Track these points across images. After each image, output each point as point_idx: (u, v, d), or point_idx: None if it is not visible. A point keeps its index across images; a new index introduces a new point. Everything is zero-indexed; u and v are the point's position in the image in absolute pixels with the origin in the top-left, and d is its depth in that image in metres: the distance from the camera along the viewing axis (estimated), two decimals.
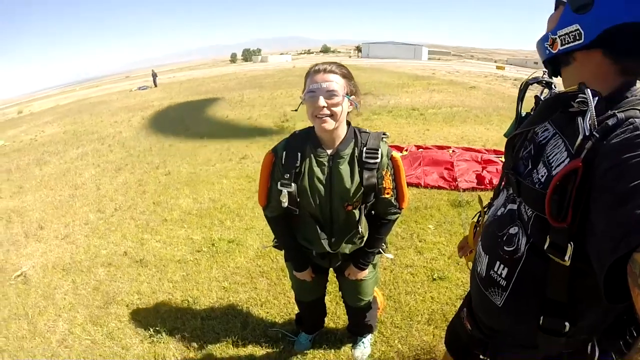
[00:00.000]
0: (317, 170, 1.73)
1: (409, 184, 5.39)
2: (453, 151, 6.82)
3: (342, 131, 1.72)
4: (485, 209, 1.44)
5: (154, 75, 34.07)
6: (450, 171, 5.84)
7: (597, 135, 0.82)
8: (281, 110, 12.76)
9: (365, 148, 1.72)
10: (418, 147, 7.23)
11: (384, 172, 1.76)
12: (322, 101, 1.56)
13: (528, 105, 1.26)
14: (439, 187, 5.44)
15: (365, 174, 1.71)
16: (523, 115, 1.30)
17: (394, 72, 30.93)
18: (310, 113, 1.62)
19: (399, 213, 1.94)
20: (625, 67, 0.92)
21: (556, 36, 0.98)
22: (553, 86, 1.20)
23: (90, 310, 3.29)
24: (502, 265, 1.09)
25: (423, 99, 14.79)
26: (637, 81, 0.95)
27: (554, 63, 1.07)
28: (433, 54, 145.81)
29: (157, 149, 9.07)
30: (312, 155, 1.73)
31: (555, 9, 1.03)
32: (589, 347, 1.05)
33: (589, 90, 0.86)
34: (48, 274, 3.95)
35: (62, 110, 23.67)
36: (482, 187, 5.34)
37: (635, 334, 1.01)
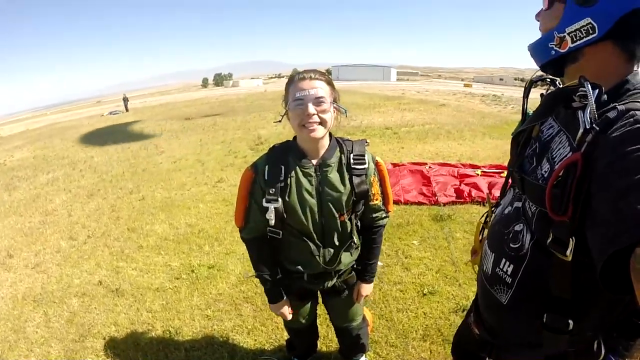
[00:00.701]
0: (304, 181, 1.64)
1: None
2: (429, 167, 6.88)
3: (327, 140, 1.67)
4: (493, 209, 1.43)
5: (125, 100, 33.99)
6: (429, 187, 5.87)
7: (598, 128, 0.81)
8: (255, 133, 12.71)
9: (352, 155, 1.68)
10: (395, 164, 7.25)
11: (372, 179, 1.73)
12: (311, 108, 1.49)
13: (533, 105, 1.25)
14: (419, 203, 5.44)
15: (355, 180, 1.67)
16: (529, 114, 1.31)
17: (365, 93, 31.46)
18: (297, 123, 1.54)
19: (388, 217, 1.91)
20: (632, 53, 0.92)
21: (564, 34, 0.95)
22: (558, 83, 1.19)
23: (65, 344, 3.08)
24: (507, 262, 1.09)
25: (395, 118, 15.04)
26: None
27: (557, 63, 1.04)
28: (402, 75, 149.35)
29: (130, 173, 8.84)
30: (297, 167, 1.64)
31: (550, 6, 1.00)
32: (595, 345, 1.04)
33: (588, 83, 0.86)
34: (18, 306, 3.72)
35: (32, 135, 23.09)
36: (462, 200, 5.38)
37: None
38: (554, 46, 0.99)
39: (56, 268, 4.44)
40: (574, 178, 0.80)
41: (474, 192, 5.49)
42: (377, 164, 1.76)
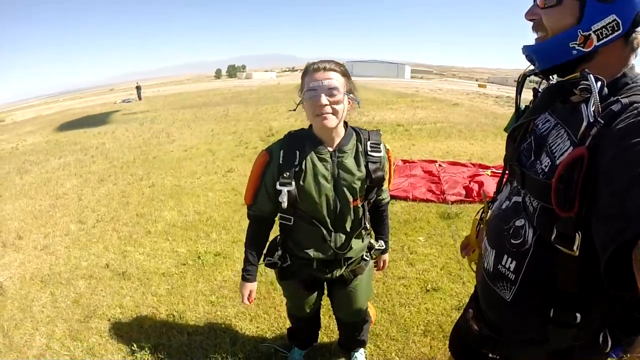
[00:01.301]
0: (320, 166, 1.67)
1: (397, 197, 5.43)
2: (440, 165, 6.85)
3: (342, 130, 1.70)
4: (489, 205, 1.41)
5: (139, 89, 34.07)
6: (438, 184, 5.84)
7: (602, 122, 0.81)
8: (266, 125, 12.74)
9: (369, 142, 1.73)
10: (405, 161, 7.23)
11: (387, 167, 1.84)
12: (324, 99, 1.52)
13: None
14: (427, 200, 5.42)
15: (372, 167, 1.71)
16: (522, 108, 1.29)
17: (378, 89, 31.32)
18: (311, 112, 1.58)
19: (388, 199, 2.06)
20: (632, 45, 0.92)
21: (590, 32, 0.92)
22: (551, 77, 1.18)
23: (70, 324, 3.13)
24: (509, 259, 1.07)
25: (407, 115, 14.94)
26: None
27: (569, 64, 1.00)
28: (416, 73, 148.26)
29: (140, 160, 8.91)
30: (312, 152, 1.68)
31: (558, 4, 0.96)
32: (601, 338, 1.03)
33: (591, 76, 0.85)
34: (25, 286, 3.78)
35: (44, 120, 23.31)
36: (470, 199, 5.36)
37: None
38: (576, 45, 0.95)
39: (64, 250, 4.51)
40: (580, 172, 0.79)
41: (482, 191, 5.46)
42: (387, 151, 1.84)
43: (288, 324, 2.58)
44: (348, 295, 2.08)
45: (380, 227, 2.12)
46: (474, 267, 1.50)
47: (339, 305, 2.18)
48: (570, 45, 0.96)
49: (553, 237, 0.89)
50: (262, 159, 1.72)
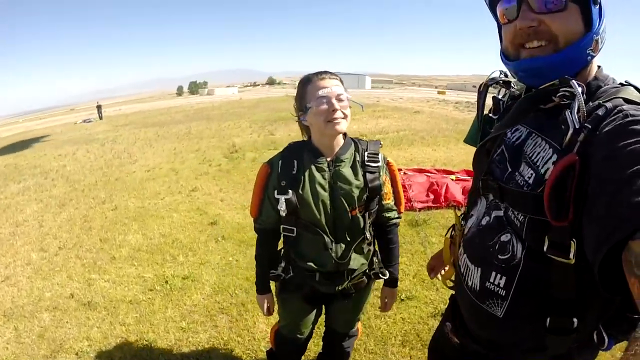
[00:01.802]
0: (317, 175, 1.68)
1: None
2: (404, 173, 6.93)
3: (341, 139, 1.73)
4: (461, 221, 1.37)
5: (99, 108, 33.28)
6: (405, 192, 5.90)
7: (589, 127, 0.81)
8: (229, 141, 12.57)
9: (366, 152, 1.75)
10: None
11: (384, 177, 1.79)
12: (336, 104, 1.57)
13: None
14: None
15: (369, 176, 1.71)
16: (483, 118, 1.29)
17: None
18: (322, 119, 1.58)
19: (400, 218, 1.95)
20: (599, 43, 0.94)
21: (599, 35, 0.93)
22: (512, 85, 1.19)
23: None
24: (498, 275, 1.04)
25: (370, 125, 15.15)
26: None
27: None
28: (376, 83, 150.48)
29: (102, 182, 8.63)
30: (310, 162, 1.70)
31: (565, 7, 0.89)
32: (595, 337, 1.00)
33: (574, 82, 0.85)
34: None
35: (2, 143, 22.35)
36: (437, 205, 5.43)
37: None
38: (591, 52, 0.93)
39: (27, 281, 4.29)
40: (573, 180, 0.78)
41: (449, 197, 5.57)
42: (388, 163, 1.84)
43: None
44: (348, 308, 2.05)
45: (386, 253, 1.98)
46: (450, 284, 1.48)
47: (337, 319, 2.15)
48: (588, 52, 0.93)
49: (545, 247, 0.88)
50: (263, 171, 1.75)
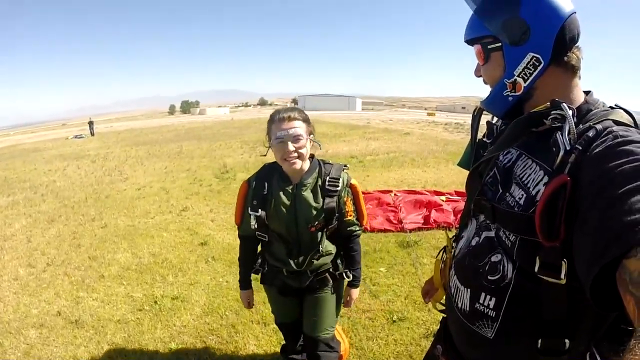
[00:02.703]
0: (283, 197, 1.94)
1: None
2: (395, 194, 6.96)
3: (306, 166, 1.94)
4: (453, 243, 1.39)
5: (91, 124, 33.16)
6: (395, 214, 5.92)
7: (580, 148, 0.83)
8: (220, 161, 12.58)
9: (328, 177, 1.97)
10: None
11: (345, 199, 2.01)
12: (290, 146, 1.78)
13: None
14: (386, 230, 5.47)
15: (326, 200, 1.95)
16: (477, 142, 1.32)
17: (330, 122, 31.85)
18: (279, 157, 1.83)
19: (361, 230, 2.16)
20: (571, 66, 0.98)
21: (514, 77, 1.01)
22: None
23: None
24: (488, 296, 1.04)
25: (360, 147, 15.26)
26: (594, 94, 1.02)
27: (516, 107, 1.08)
28: (367, 104, 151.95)
29: (92, 199, 8.55)
30: (278, 185, 1.96)
31: (487, 60, 1.08)
32: (588, 357, 0.99)
33: (565, 105, 0.88)
34: None
35: None
36: (428, 226, 5.46)
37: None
38: (509, 93, 1.04)
39: (13, 297, 4.22)
40: (564, 200, 0.80)
41: (440, 218, 5.60)
42: (351, 186, 2.04)
43: None
44: (314, 303, 2.18)
45: (348, 259, 2.20)
46: (440, 307, 1.48)
47: (306, 316, 2.24)
48: (505, 94, 1.05)
49: (537, 268, 0.88)
50: (244, 188, 2.02)
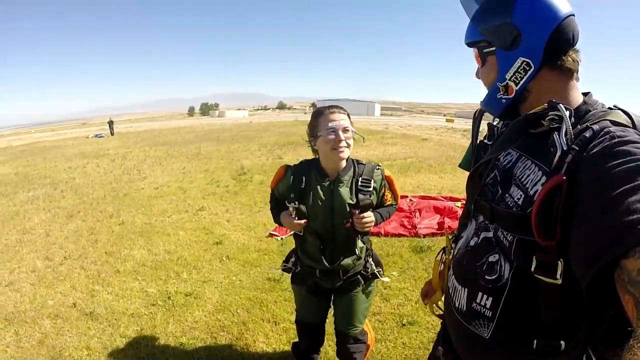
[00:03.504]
0: (320, 192, 2.05)
1: (370, 233, 5.39)
2: (410, 200, 6.94)
3: (344, 162, 2.06)
4: (452, 245, 1.40)
5: (111, 124, 33.80)
6: (410, 219, 5.90)
7: (577, 148, 0.83)
8: (238, 163, 12.67)
9: (360, 178, 2.07)
10: None
11: (384, 191, 2.16)
12: (342, 135, 1.92)
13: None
14: (400, 235, 5.46)
15: (360, 197, 2.04)
16: (477, 143, 1.33)
17: None
18: (329, 147, 1.94)
19: (396, 206, 2.34)
20: (567, 69, 0.99)
21: (506, 81, 1.04)
22: None
23: None
24: (485, 296, 1.05)
25: (378, 152, 15.24)
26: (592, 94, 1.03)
27: (511, 108, 1.10)
28: (385, 110, 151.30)
29: (111, 197, 8.71)
30: (316, 180, 2.06)
31: (484, 63, 1.11)
32: (584, 359, 0.98)
33: (562, 105, 0.89)
34: None
35: (14, 151, 22.66)
36: (442, 231, 5.43)
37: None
38: (502, 96, 1.08)
39: (30, 287, 4.33)
40: (560, 200, 0.80)
41: (454, 224, 5.55)
42: (386, 177, 2.17)
43: None
44: (347, 303, 2.30)
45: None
46: (436, 310, 1.49)
47: (338, 314, 2.38)
48: (498, 97, 1.09)
49: (533, 267, 0.88)
50: (280, 172, 2.14)
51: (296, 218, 2.02)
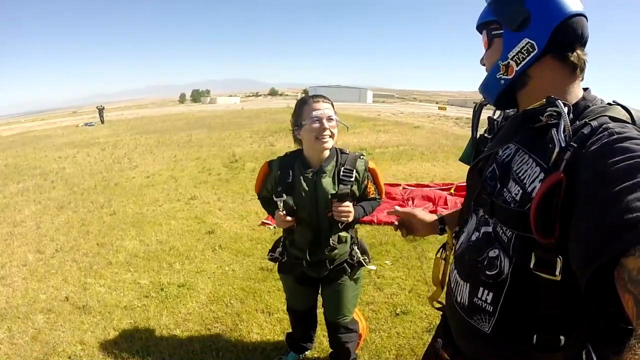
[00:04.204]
0: (304, 184, 2.05)
1: (362, 222, 5.38)
2: (404, 188, 6.95)
3: (327, 152, 2.07)
4: (453, 240, 1.39)
5: (101, 111, 33.05)
6: (403, 207, 5.89)
7: (575, 145, 0.83)
8: (230, 150, 12.60)
9: (343, 167, 2.07)
10: None
11: (366, 183, 2.16)
12: (326, 124, 1.93)
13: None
14: (392, 223, 5.43)
15: (341, 187, 2.06)
16: (477, 137, 1.32)
17: (341, 114, 31.01)
18: (313, 136, 1.95)
19: (380, 201, 2.32)
20: (572, 63, 0.98)
21: (508, 60, 1.02)
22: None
23: None
24: (486, 291, 1.05)
25: (370, 139, 15.22)
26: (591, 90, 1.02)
27: (509, 94, 1.09)
28: (377, 97, 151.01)
29: (102, 187, 8.63)
30: (299, 172, 2.07)
31: (490, 45, 1.11)
32: (584, 356, 0.99)
33: (560, 101, 0.88)
34: None
35: (4, 142, 22.30)
36: None
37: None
38: (502, 76, 1.05)
39: (22, 282, 4.28)
40: (559, 197, 0.80)
41: (445, 212, 5.57)
42: (370, 170, 2.17)
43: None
44: (334, 292, 2.32)
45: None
46: (437, 305, 1.49)
47: (326, 303, 2.41)
48: (497, 77, 1.07)
49: (532, 264, 0.88)
50: (264, 169, 2.17)
51: (284, 212, 2.03)
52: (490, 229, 1.07)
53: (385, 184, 7.26)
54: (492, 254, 1.04)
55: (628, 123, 0.85)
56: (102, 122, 31.65)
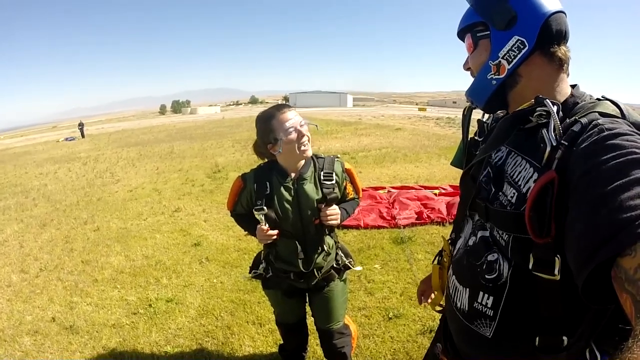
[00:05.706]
0: (285, 193, 2.00)
1: (349, 226, 5.43)
2: (389, 191, 6.97)
3: (303, 159, 2.02)
4: (450, 246, 1.39)
5: (81, 126, 33.07)
6: (389, 210, 5.92)
7: (566, 143, 0.83)
8: (212, 161, 12.54)
9: (322, 172, 2.05)
10: None
11: (345, 184, 2.15)
12: (303, 130, 1.90)
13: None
14: (379, 227, 5.47)
15: (326, 191, 2.03)
16: (468, 140, 1.32)
17: (322, 119, 31.80)
18: (295, 147, 1.90)
19: (358, 200, 2.30)
20: (558, 59, 0.99)
21: (499, 59, 1.02)
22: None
23: None
24: (486, 295, 1.04)
25: (352, 143, 15.29)
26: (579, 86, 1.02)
27: (499, 95, 1.09)
28: (358, 101, 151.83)
29: (84, 202, 8.48)
30: (279, 182, 2.01)
31: (475, 47, 1.10)
32: (588, 354, 0.99)
33: (548, 101, 0.88)
34: None
35: None
36: (422, 221, 5.46)
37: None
38: (493, 76, 1.05)
39: (7, 304, 4.17)
40: (553, 196, 0.79)
41: (433, 213, 5.61)
42: (346, 170, 2.16)
43: None
44: (323, 300, 2.28)
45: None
46: (439, 309, 1.48)
47: (317, 311, 2.37)
48: (489, 77, 1.06)
49: (531, 265, 0.88)
50: (237, 184, 2.07)
51: (266, 225, 1.96)
52: (487, 233, 1.07)
53: (370, 187, 7.30)
54: (490, 257, 1.03)
55: (618, 118, 0.85)
56: (83, 136, 31.42)
